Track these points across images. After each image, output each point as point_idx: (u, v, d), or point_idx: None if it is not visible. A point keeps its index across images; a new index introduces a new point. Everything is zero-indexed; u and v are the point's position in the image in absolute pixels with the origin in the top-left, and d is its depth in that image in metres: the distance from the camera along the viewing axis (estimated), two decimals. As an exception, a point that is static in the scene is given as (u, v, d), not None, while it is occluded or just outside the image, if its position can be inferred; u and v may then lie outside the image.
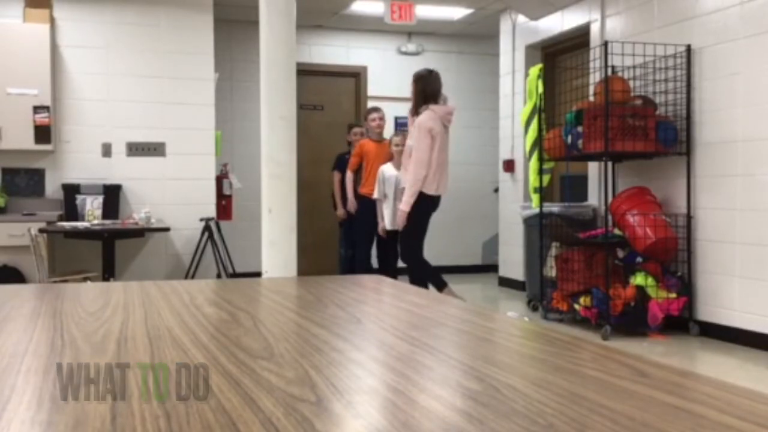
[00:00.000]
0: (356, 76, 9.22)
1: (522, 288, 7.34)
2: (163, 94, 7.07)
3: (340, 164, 7.34)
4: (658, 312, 5.33)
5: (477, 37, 9.30)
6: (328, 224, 8.60)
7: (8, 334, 1.10)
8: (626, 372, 0.87)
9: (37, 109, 6.44)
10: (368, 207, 6.59)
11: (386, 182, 6.39)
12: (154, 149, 7.04)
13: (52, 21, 6.64)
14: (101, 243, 6.03)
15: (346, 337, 1.09)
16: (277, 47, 3.81)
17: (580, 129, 5.67)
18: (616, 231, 5.71)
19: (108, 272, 6.06)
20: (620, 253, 5.80)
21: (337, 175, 7.30)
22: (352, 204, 7.07)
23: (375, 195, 6.46)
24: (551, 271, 6.28)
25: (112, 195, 6.76)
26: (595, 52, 6.10)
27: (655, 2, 5.89)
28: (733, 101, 5.15)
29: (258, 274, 4.31)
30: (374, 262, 7.08)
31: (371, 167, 6.75)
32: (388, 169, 6.46)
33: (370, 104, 9.05)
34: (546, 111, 6.69)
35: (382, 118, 7.01)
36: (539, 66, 6.75)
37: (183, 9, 7.10)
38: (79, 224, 6.13)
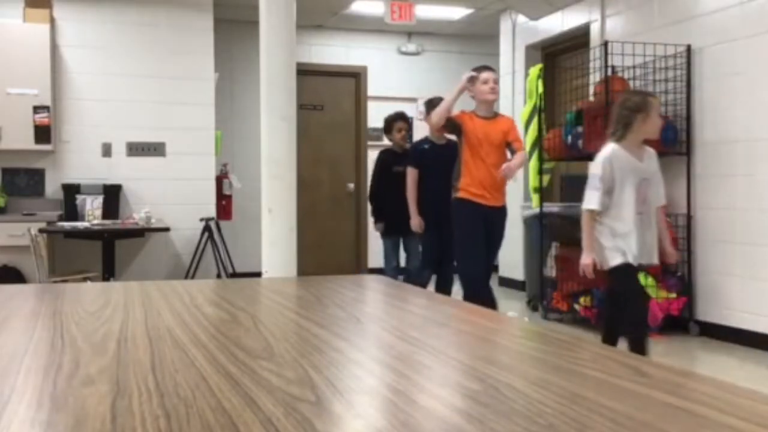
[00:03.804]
0: (356, 76, 9.21)
1: (522, 288, 7.33)
2: (163, 94, 7.06)
3: (416, 157, 5.47)
4: (658, 312, 5.33)
5: (477, 37, 9.29)
6: (328, 224, 8.59)
7: (8, 334, 1.10)
8: (626, 372, 0.87)
9: (37, 109, 6.44)
10: (472, 211, 4.65)
11: (623, 175, 3.65)
12: (154, 149, 7.04)
13: (52, 21, 6.63)
14: (101, 243, 6.03)
15: (346, 337, 1.08)
16: (277, 47, 3.81)
17: (580, 129, 5.67)
18: (616, 231, 5.70)
19: (108, 272, 6.06)
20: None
21: (412, 173, 5.38)
22: (417, 221, 5.34)
23: (591, 205, 3.67)
24: (551, 271, 6.27)
25: (112, 195, 6.76)
26: (595, 52, 6.09)
27: (655, 2, 5.89)
28: (733, 101, 5.15)
29: (258, 274, 4.30)
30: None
31: (476, 155, 4.62)
32: (619, 156, 3.64)
33: (370, 104, 9.05)
34: (546, 111, 6.69)
35: (496, 81, 4.75)
36: (539, 66, 6.76)
37: (183, 9, 7.10)
38: (79, 224, 6.12)
